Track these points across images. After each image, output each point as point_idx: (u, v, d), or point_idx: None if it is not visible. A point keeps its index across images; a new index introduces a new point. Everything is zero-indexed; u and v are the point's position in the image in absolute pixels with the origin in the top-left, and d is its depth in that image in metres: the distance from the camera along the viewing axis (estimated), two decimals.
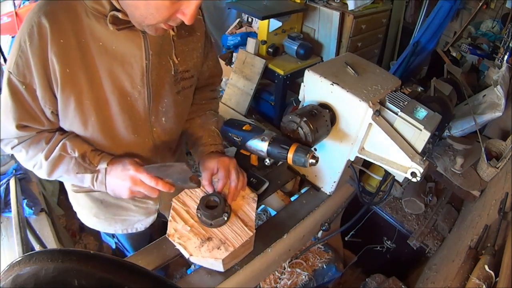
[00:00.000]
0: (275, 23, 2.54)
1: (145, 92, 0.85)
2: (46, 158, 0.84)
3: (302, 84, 1.01)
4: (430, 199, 1.59)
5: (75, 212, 1.21)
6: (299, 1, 2.59)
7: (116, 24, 0.72)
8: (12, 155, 1.68)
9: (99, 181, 0.86)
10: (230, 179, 0.93)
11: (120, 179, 0.84)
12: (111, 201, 1.08)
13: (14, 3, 2.95)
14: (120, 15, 0.71)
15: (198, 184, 0.87)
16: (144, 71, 0.82)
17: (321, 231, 1.18)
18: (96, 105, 0.81)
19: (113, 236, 1.42)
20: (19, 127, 0.81)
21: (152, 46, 0.81)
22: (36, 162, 0.86)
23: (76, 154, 0.84)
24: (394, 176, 1.00)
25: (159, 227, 1.47)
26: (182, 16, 0.68)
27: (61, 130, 0.88)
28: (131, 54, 0.79)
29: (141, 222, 1.17)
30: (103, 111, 0.83)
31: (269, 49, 2.57)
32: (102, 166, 0.86)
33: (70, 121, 0.83)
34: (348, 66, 1.00)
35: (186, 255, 0.83)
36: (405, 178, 0.91)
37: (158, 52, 0.83)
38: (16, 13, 2.94)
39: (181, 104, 0.97)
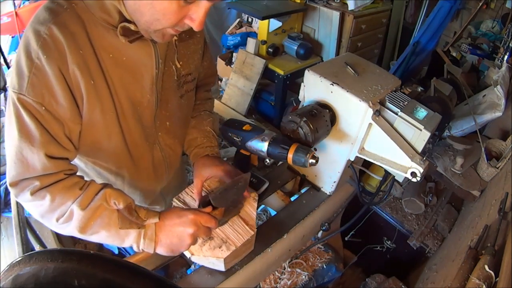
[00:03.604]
0: (275, 23, 2.54)
1: (153, 101, 0.84)
2: (83, 207, 0.71)
3: (302, 84, 1.01)
4: (430, 199, 1.58)
5: None
6: (299, 1, 2.59)
7: (127, 35, 0.68)
8: None
9: (148, 237, 0.74)
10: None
11: (180, 228, 0.75)
12: None
13: (14, 3, 2.95)
14: (132, 26, 0.67)
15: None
16: (154, 80, 0.80)
17: (321, 231, 1.18)
18: (117, 116, 0.79)
19: None
20: (47, 156, 0.70)
21: (161, 53, 0.78)
22: (63, 213, 0.72)
23: (121, 206, 0.73)
24: (394, 176, 1.01)
25: None
26: (190, 22, 0.64)
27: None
28: (141, 63, 0.76)
29: None
30: (123, 121, 0.81)
31: (269, 49, 2.57)
32: (153, 220, 0.75)
33: (93, 135, 0.78)
34: (348, 66, 1.00)
35: (188, 254, 0.83)
36: (405, 178, 0.91)
37: (164, 58, 0.81)
38: (16, 13, 2.95)
39: (184, 107, 0.96)
